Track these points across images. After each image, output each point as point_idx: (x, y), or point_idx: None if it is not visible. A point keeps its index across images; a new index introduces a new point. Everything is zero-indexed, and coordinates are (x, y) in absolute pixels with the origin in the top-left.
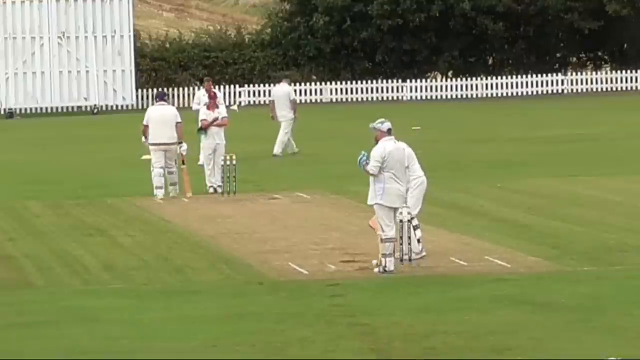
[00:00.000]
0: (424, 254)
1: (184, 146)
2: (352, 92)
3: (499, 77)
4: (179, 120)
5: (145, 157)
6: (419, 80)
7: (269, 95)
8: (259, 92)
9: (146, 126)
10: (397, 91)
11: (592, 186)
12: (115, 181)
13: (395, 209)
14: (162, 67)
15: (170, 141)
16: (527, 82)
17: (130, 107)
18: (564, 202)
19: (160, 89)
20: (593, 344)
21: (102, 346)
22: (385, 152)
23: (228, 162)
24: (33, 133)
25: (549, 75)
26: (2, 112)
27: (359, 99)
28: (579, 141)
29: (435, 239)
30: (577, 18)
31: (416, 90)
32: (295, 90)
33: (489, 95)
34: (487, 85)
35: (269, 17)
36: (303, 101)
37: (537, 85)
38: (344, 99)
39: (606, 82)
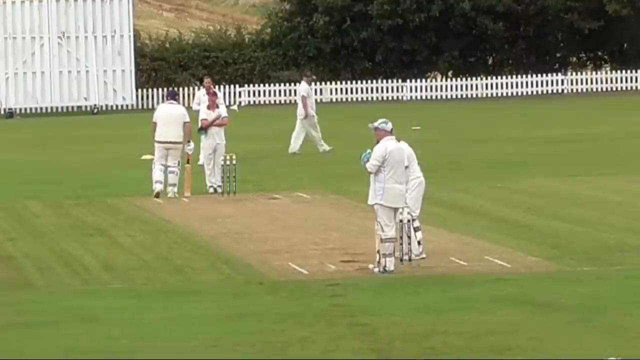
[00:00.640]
0: (423, 256)
1: (191, 145)
2: (352, 92)
3: (499, 77)
4: (187, 120)
5: (145, 157)
6: (419, 80)
7: (269, 95)
8: (259, 92)
9: (155, 123)
10: (397, 91)
11: (592, 186)
12: (115, 181)
13: (395, 209)
14: (162, 67)
15: (174, 140)
16: (527, 82)
17: (130, 107)
18: (564, 202)
19: (171, 88)
20: (593, 344)
21: (102, 346)
22: (386, 152)
23: (228, 162)
24: (33, 133)
25: (549, 75)
26: (2, 112)
27: (359, 99)
28: (579, 141)
29: (435, 239)
30: (577, 18)
31: (416, 90)
32: (295, 91)
33: (489, 95)
34: (487, 85)
35: (269, 17)
36: None
37: (537, 85)
38: (344, 99)
39: (606, 82)
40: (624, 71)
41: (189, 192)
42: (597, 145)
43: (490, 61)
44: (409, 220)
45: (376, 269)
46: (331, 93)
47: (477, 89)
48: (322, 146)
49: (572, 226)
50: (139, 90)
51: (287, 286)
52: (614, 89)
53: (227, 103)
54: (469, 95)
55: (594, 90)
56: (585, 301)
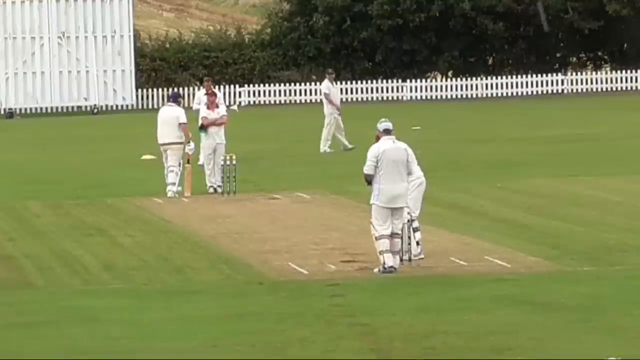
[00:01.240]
0: (422, 256)
1: (191, 145)
2: (352, 92)
3: (499, 77)
4: (182, 121)
5: (145, 157)
6: (419, 80)
7: (269, 95)
8: (259, 92)
9: None
10: (397, 91)
11: (592, 186)
12: (115, 181)
13: (393, 210)
14: (162, 67)
15: (169, 141)
16: (527, 82)
17: (130, 107)
18: (564, 202)
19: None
20: (593, 344)
21: (102, 346)
22: (379, 151)
23: (228, 162)
24: (33, 133)
25: (549, 75)
26: (2, 112)
27: (359, 99)
28: (579, 141)
29: (435, 239)
30: (577, 18)
31: (416, 90)
32: (295, 91)
33: (489, 95)
34: (487, 85)
35: (269, 17)
36: (303, 101)
37: (537, 85)
38: (344, 99)
39: (606, 82)
40: (624, 71)
41: (189, 192)
42: (597, 145)
43: (490, 61)
44: (408, 221)
45: (376, 269)
46: None
47: (477, 89)
48: (325, 146)
49: (572, 226)
50: (139, 90)
51: (287, 286)
52: (614, 89)
53: (227, 103)
54: (469, 95)
55: (594, 90)
56: (585, 301)
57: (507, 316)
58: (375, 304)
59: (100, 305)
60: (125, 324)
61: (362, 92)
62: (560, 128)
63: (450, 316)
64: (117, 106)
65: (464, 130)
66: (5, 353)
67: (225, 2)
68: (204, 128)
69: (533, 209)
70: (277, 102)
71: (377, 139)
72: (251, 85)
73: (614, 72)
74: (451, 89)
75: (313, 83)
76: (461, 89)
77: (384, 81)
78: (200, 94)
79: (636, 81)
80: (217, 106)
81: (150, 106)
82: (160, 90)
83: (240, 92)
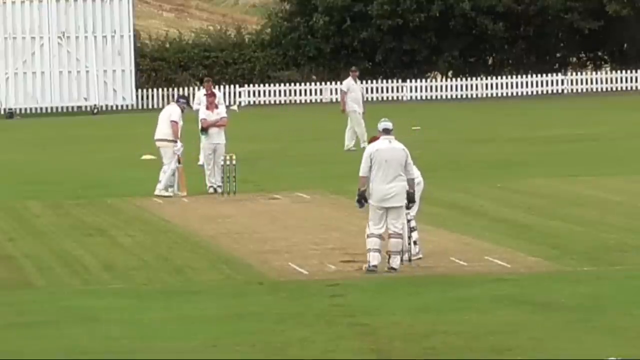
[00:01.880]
0: (420, 256)
1: (178, 145)
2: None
3: (499, 77)
4: (173, 118)
5: (145, 157)
6: (419, 80)
7: (269, 95)
8: (259, 92)
9: None
10: (397, 91)
11: (592, 186)
12: (115, 181)
13: (389, 209)
14: (162, 67)
15: (159, 137)
16: (527, 82)
17: (130, 107)
18: (564, 202)
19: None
20: (593, 344)
21: (102, 346)
22: (372, 150)
23: (228, 162)
24: (33, 133)
25: (549, 75)
26: (2, 112)
27: None
28: (579, 141)
29: (435, 239)
30: (577, 18)
31: (416, 90)
32: (295, 91)
33: (489, 95)
34: (487, 85)
35: (269, 17)
36: (303, 101)
37: (537, 85)
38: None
39: (606, 82)
40: (624, 71)
41: (184, 192)
42: (597, 145)
43: (490, 61)
44: (408, 220)
45: (365, 265)
46: (331, 93)
47: (477, 89)
48: (349, 145)
49: (572, 226)
50: (139, 90)
51: (287, 286)
52: (614, 89)
53: (227, 103)
54: (469, 95)
55: (594, 90)
56: (585, 301)
57: (507, 316)
58: (375, 304)
59: (100, 305)
60: (125, 324)
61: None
62: (560, 128)
63: (450, 316)
64: (117, 106)
65: (464, 130)
66: (5, 353)
67: (225, 2)
68: (204, 130)
69: (533, 209)
70: (277, 102)
71: (375, 139)
72: (251, 85)
73: (614, 72)
74: (451, 89)
75: (313, 83)
76: (461, 89)
77: (384, 81)
78: (201, 94)
79: (636, 81)
80: (216, 107)
81: (150, 106)
82: (160, 90)
83: (240, 92)
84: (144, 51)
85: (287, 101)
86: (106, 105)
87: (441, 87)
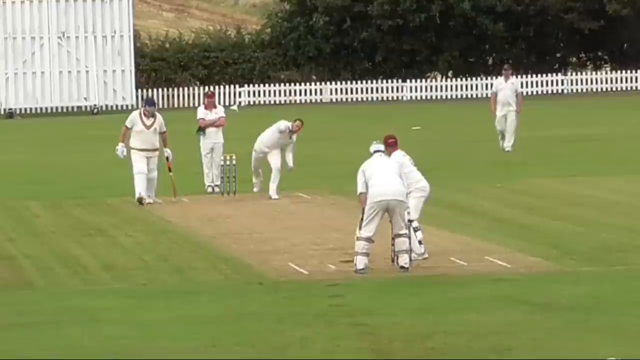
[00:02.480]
0: (426, 255)
1: (118, 147)
2: (352, 92)
3: (499, 78)
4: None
5: None
6: (419, 80)
7: (269, 95)
8: (259, 92)
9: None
10: (397, 91)
11: (592, 186)
12: (115, 181)
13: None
14: (162, 67)
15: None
16: (527, 82)
17: (130, 107)
18: (564, 202)
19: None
20: (593, 344)
21: (102, 346)
22: (364, 166)
23: (228, 162)
24: (33, 133)
25: (549, 75)
26: (2, 112)
27: (359, 99)
28: (579, 141)
29: (436, 239)
30: (577, 18)
31: (416, 90)
32: (295, 91)
33: (489, 95)
34: (487, 85)
35: (269, 17)
36: (303, 101)
37: (537, 85)
38: (344, 99)
39: (606, 82)
40: (624, 71)
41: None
42: (597, 145)
43: (490, 61)
44: (410, 221)
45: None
46: (331, 93)
47: (477, 89)
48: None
49: (572, 226)
50: (139, 90)
51: (287, 286)
52: (614, 89)
53: (227, 103)
54: (469, 95)
55: (594, 90)
56: (585, 301)
57: (507, 316)
58: (375, 304)
59: (100, 305)
60: (125, 324)
61: (362, 92)
62: (560, 128)
63: (451, 316)
64: (117, 106)
65: (464, 130)
66: (5, 353)
67: (225, 2)
68: (201, 129)
69: (533, 209)
70: (277, 102)
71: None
72: (251, 85)
73: (614, 72)
74: (451, 89)
75: (313, 83)
76: (461, 89)
77: (384, 81)
78: (201, 109)
79: (636, 81)
80: (214, 106)
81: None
82: (160, 90)
83: (240, 92)
84: (144, 51)
85: (287, 101)
86: (106, 105)
87: (441, 87)
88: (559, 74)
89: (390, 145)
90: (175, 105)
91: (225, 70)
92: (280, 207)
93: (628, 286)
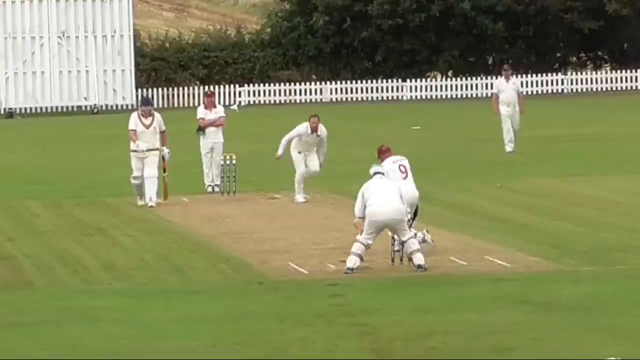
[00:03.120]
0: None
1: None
2: (352, 92)
3: (499, 77)
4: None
5: None
6: (419, 80)
7: (269, 95)
8: (259, 92)
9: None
10: (397, 91)
11: (592, 186)
12: (115, 181)
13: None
14: (162, 67)
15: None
16: (527, 82)
17: (130, 107)
18: (564, 202)
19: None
20: (593, 344)
21: (102, 346)
22: (364, 188)
23: (228, 162)
24: (33, 133)
25: (549, 75)
26: (2, 112)
27: (359, 99)
28: (579, 141)
29: (436, 238)
30: (577, 18)
31: (416, 90)
32: (295, 91)
33: (489, 95)
34: (487, 85)
35: (269, 17)
36: (303, 101)
37: (537, 85)
38: (344, 99)
39: (606, 82)
40: (624, 71)
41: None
42: (597, 145)
43: (490, 61)
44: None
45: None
46: (331, 93)
47: (477, 89)
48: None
49: (572, 226)
50: (139, 90)
51: (287, 286)
52: (614, 89)
53: (227, 103)
54: (469, 95)
55: (594, 90)
56: (585, 301)
57: (507, 316)
58: (375, 303)
59: (100, 305)
60: (125, 324)
61: (362, 92)
62: (560, 128)
63: (450, 316)
64: (117, 106)
65: (464, 130)
66: (5, 353)
67: (225, 2)
68: (201, 129)
69: (533, 209)
70: (277, 102)
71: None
72: (251, 85)
73: (614, 72)
74: (451, 89)
75: (313, 83)
76: (461, 89)
77: (384, 81)
78: (201, 109)
79: (636, 81)
80: (214, 106)
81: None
82: (160, 90)
83: (240, 92)
84: (144, 51)
85: (287, 101)
86: (106, 105)
87: (441, 87)
88: (559, 74)
89: (384, 152)
90: (175, 105)
91: (225, 70)
92: (280, 206)
93: (628, 286)
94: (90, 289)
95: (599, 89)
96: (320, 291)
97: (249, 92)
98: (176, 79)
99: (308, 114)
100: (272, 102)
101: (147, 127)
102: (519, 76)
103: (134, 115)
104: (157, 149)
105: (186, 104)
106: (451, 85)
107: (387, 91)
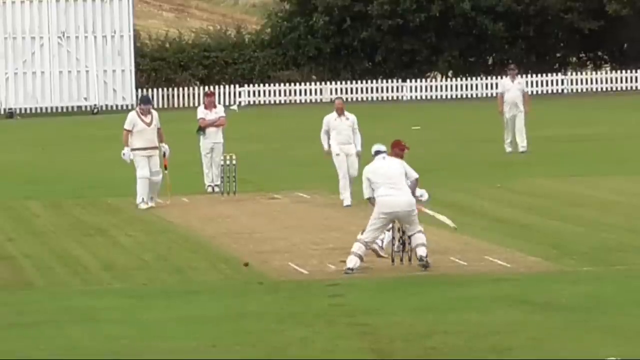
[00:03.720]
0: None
1: (124, 151)
2: (352, 92)
3: (499, 77)
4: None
5: None
6: (419, 80)
7: (269, 95)
8: (259, 92)
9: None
10: (397, 91)
11: (592, 186)
12: (115, 181)
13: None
14: (162, 67)
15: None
16: (527, 82)
17: (130, 107)
18: (564, 202)
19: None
20: (593, 344)
21: (102, 346)
22: (368, 171)
23: (228, 162)
24: (33, 133)
25: (549, 75)
26: (2, 112)
27: (359, 99)
28: (579, 141)
29: (436, 238)
30: (577, 18)
31: (416, 90)
32: (295, 91)
33: (489, 95)
34: (487, 85)
35: (269, 17)
36: (303, 101)
37: (537, 85)
38: (343, 99)
39: (606, 82)
40: (624, 71)
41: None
42: (597, 145)
43: (490, 61)
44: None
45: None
46: (331, 93)
47: (477, 89)
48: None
49: (572, 226)
50: (139, 90)
51: (287, 286)
52: (614, 89)
53: (227, 103)
54: (469, 95)
55: (594, 90)
56: (585, 301)
57: (507, 316)
58: (375, 304)
59: (100, 305)
60: (125, 324)
61: (362, 92)
62: (560, 128)
63: (450, 316)
64: (117, 106)
65: (464, 130)
66: (5, 353)
67: (225, 2)
68: (201, 129)
69: (533, 209)
70: (277, 102)
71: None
72: (251, 85)
73: (614, 72)
74: (451, 89)
75: (313, 83)
76: (461, 89)
77: (384, 81)
78: (201, 109)
79: (636, 81)
80: (214, 106)
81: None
82: (160, 90)
83: (240, 92)
84: (144, 51)
85: (287, 101)
86: (106, 105)
87: (441, 87)
88: (559, 74)
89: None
90: (175, 105)
91: (225, 70)
92: (280, 207)
93: (628, 286)
94: (90, 289)
95: (599, 89)
96: (320, 291)
97: (249, 92)
98: (176, 79)
99: (308, 114)
100: (272, 102)
101: (148, 125)
102: (519, 76)
103: (133, 115)
104: (156, 147)
105: (186, 104)
106: (451, 86)
107: (387, 91)
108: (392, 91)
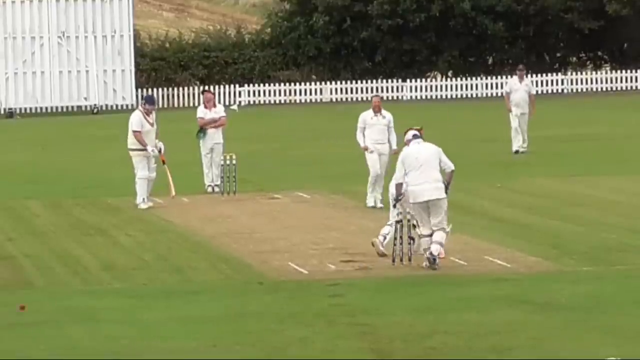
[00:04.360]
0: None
1: (148, 150)
2: (352, 92)
3: (499, 77)
4: (132, 129)
5: None
6: (419, 80)
7: (269, 95)
8: (259, 92)
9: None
10: (397, 91)
11: (592, 186)
12: (115, 181)
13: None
14: (162, 67)
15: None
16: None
17: (130, 107)
18: (564, 202)
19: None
20: (593, 344)
21: (102, 346)
22: (403, 155)
23: (228, 162)
24: (33, 133)
25: (549, 75)
26: (2, 112)
27: (359, 99)
28: (579, 141)
29: None
30: (577, 18)
31: (416, 90)
32: (295, 91)
33: (489, 95)
34: (487, 85)
35: (269, 17)
36: (303, 101)
37: (537, 85)
38: (344, 99)
39: (606, 82)
40: (624, 71)
41: (173, 193)
42: (597, 145)
43: (490, 61)
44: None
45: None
46: (331, 93)
47: (477, 89)
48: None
49: (572, 226)
50: (139, 90)
51: (287, 286)
52: (614, 89)
53: (227, 103)
54: (469, 95)
55: (594, 90)
56: (585, 301)
57: (507, 316)
58: (375, 304)
59: (100, 305)
60: (125, 324)
61: (362, 92)
62: (560, 128)
63: (450, 316)
64: (117, 106)
65: (464, 130)
66: (5, 353)
67: (225, 2)
68: (202, 131)
69: (533, 209)
70: (277, 102)
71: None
72: (251, 85)
73: (614, 72)
74: (451, 89)
75: (313, 83)
76: (461, 89)
77: (384, 81)
78: (200, 109)
79: (636, 81)
80: (214, 105)
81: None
82: (160, 90)
83: (240, 92)
84: (144, 51)
85: (287, 101)
86: (106, 105)
87: (441, 87)
88: (559, 74)
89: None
90: (175, 105)
91: (225, 70)
92: (280, 207)
93: (628, 286)
94: (90, 289)
95: (599, 89)
96: (320, 291)
97: (249, 92)
98: (176, 79)
99: (308, 114)
100: (272, 102)
101: (152, 125)
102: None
103: (138, 115)
104: (155, 147)
105: (186, 104)
106: (451, 85)
107: (387, 91)
108: (392, 91)
